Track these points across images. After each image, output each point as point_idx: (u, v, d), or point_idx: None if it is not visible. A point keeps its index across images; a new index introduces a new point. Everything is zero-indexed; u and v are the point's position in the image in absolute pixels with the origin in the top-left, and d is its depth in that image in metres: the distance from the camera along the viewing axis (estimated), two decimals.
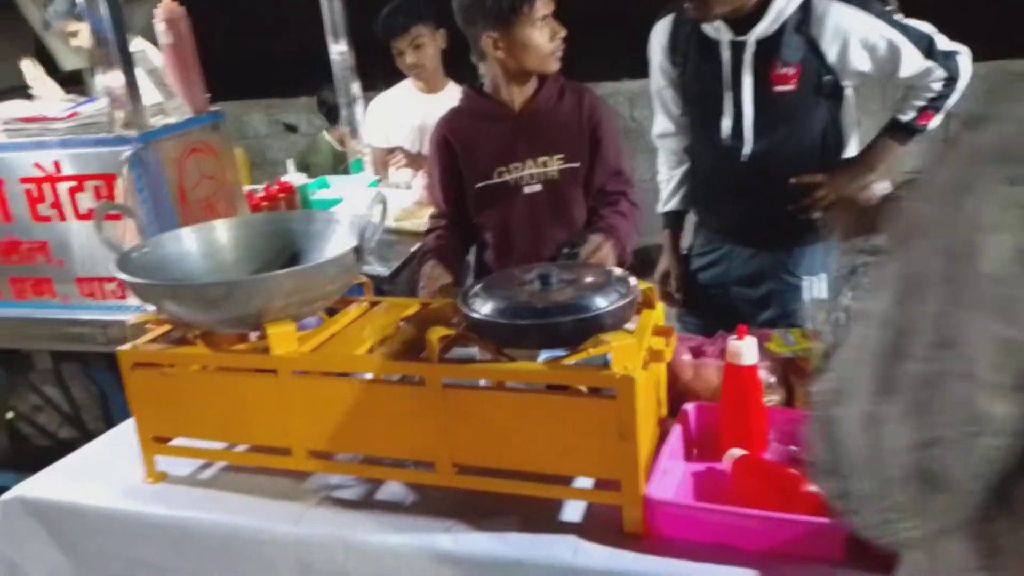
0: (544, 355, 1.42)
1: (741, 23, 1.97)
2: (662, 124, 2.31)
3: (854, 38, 1.94)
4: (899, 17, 1.98)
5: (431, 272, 1.89)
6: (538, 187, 1.93)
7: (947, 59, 2.00)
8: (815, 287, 2.27)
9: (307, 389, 1.35)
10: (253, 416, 1.40)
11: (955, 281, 0.59)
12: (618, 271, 1.37)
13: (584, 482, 1.33)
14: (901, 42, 1.95)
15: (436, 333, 1.27)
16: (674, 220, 2.37)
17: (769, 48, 1.97)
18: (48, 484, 1.53)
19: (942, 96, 2.03)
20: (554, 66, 1.92)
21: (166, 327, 1.50)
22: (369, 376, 1.35)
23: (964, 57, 2.02)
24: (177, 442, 1.51)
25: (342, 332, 1.47)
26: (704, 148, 2.17)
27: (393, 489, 1.41)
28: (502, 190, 1.94)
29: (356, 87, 3.13)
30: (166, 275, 1.47)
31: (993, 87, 0.61)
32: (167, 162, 1.94)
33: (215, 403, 1.42)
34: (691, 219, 2.44)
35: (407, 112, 2.99)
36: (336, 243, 1.55)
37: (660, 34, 2.17)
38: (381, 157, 3.09)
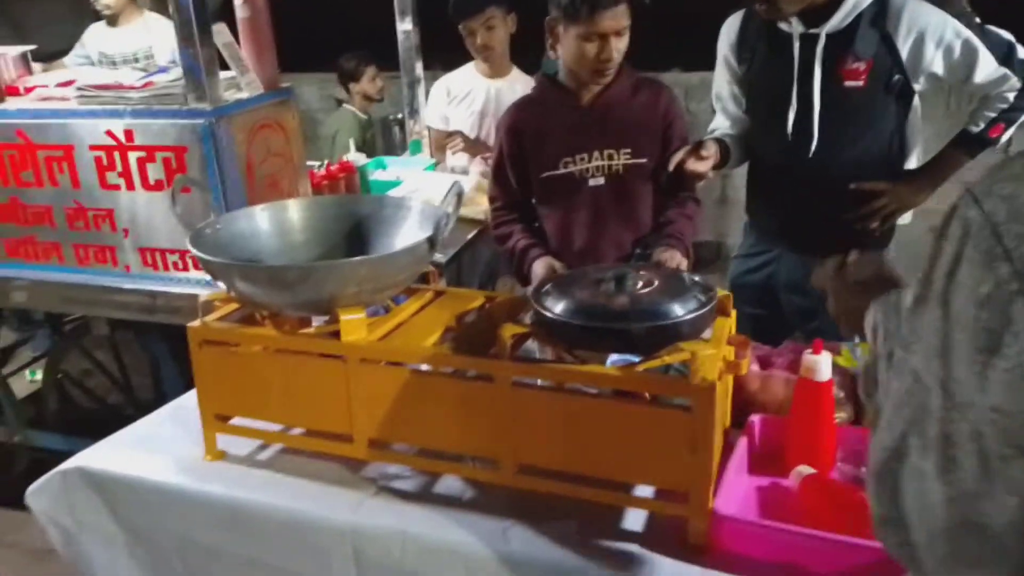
0: (613, 359, 1.40)
1: (814, 16, 1.93)
2: (719, 122, 2.25)
3: (930, 36, 1.89)
4: (978, 20, 1.92)
5: (552, 266, 1.88)
6: (601, 180, 1.90)
7: None
8: None
9: (373, 377, 1.34)
10: (317, 400, 1.40)
11: (957, 347, 0.62)
12: (696, 277, 1.34)
13: (644, 490, 1.31)
14: (977, 45, 1.89)
15: (509, 330, 1.25)
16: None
17: (841, 42, 1.93)
18: (108, 455, 1.54)
19: (1016, 108, 1.96)
20: (592, 79, 1.87)
21: (233, 305, 1.50)
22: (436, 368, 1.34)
23: None
24: (238, 421, 1.52)
25: (409, 321, 1.46)
26: (767, 145, 2.12)
27: (450, 484, 1.40)
28: (567, 181, 1.92)
29: (419, 67, 3.10)
30: (237, 253, 1.47)
31: (997, 165, 0.63)
32: (238, 137, 1.94)
33: (279, 385, 1.42)
34: (740, 220, 2.38)
35: (470, 96, 2.97)
36: (407, 231, 1.54)
37: (729, 30, 2.13)
38: (439, 140, 3.08)
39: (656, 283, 1.30)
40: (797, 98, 1.99)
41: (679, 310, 1.22)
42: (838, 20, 1.91)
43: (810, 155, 2.01)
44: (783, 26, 1.99)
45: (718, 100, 2.23)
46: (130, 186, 2.01)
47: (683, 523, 1.22)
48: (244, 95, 2.01)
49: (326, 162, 2.59)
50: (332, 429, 1.41)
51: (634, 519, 1.29)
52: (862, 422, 1.47)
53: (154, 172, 1.98)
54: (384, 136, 3.72)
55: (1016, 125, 1.98)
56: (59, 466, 1.53)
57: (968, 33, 1.89)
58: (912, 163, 2.11)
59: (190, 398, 1.75)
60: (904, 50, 1.91)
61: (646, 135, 1.91)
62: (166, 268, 2.08)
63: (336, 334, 1.35)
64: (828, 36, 1.92)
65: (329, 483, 1.41)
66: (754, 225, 2.29)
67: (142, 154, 1.97)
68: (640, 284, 1.29)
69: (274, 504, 1.37)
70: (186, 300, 2.05)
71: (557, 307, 1.27)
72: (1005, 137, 1.99)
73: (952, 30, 1.89)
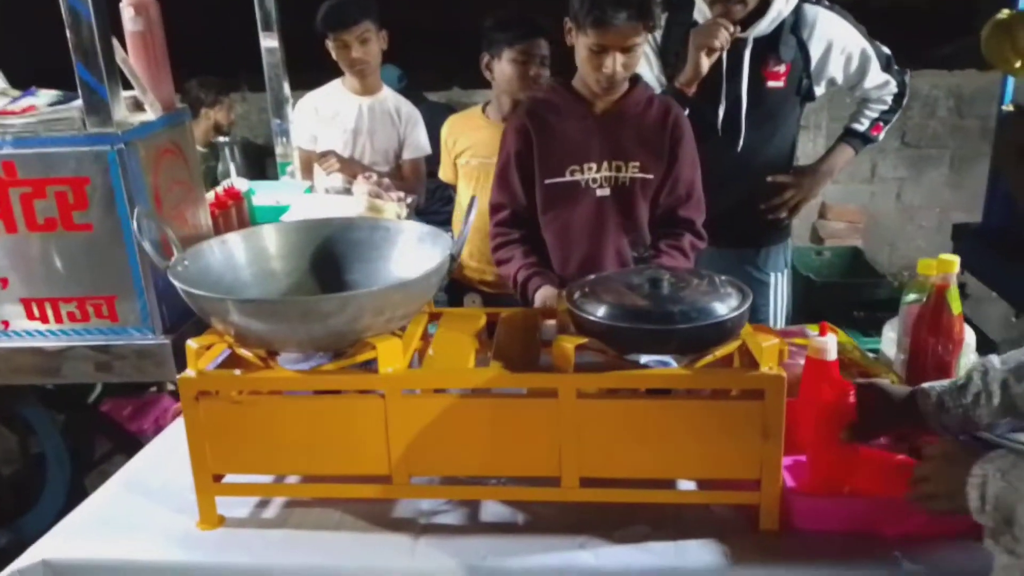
0: (645, 359, 1.41)
1: (740, 22, 2.06)
2: None
3: (836, 45, 2.13)
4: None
5: (549, 299, 1.76)
6: (607, 191, 1.85)
7: (900, 75, 2.23)
8: (780, 284, 2.43)
9: (416, 409, 1.24)
10: (345, 442, 1.27)
11: None
12: (721, 277, 1.36)
13: (687, 484, 1.33)
14: (871, 54, 2.17)
15: (569, 342, 1.22)
16: None
17: (766, 46, 2.10)
18: (74, 543, 1.30)
19: (892, 111, 2.27)
20: (599, 90, 1.79)
21: (218, 350, 1.32)
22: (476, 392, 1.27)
23: (908, 77, 2.25)
24: (230, 479, 1.34)
25: (426, 346, 1.37)
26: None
27: (493, 510, 1.34)
28: (572, 188, 1.85)
29: (286, 87, 2.90)
30: (212, 288, 1.30)
31: None
32: (145, 165, 1.70)
33: (296, 432, 1.27)
34: None
35: (340, 114, 2.83)
36: (400, 251, 1.45)
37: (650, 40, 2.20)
38: (308, 160, 2.90)
39: (686, 284, 1.32)
40: (726, 96, 2.12)
41: (728, 307, 1.25)
42: (765, 26, 2.08)
43: (738, 150, 2.16)
44: None
45: None
46: (10, 228, 1.70)
47: (746, 510, 1.26)
48: (149, 117, 1.77)
49: (213, 191, 2.35)
50: (366, 471, 1.28)
51: (695, 513, 1.30)
52: None
53: (43, 210, 1.68)
54: (232, 161, 3.42)
55: (890, 125, 2.27)
56: (12, 564, 1.26)
57: (866, 43, 2.15)
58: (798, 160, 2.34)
59: (139, 464, 1.54)
60: (814, 57, 2.12)
61: (654, 152, 1.86)
62: (59, 320, 1.78)
63: (365, 365, 1.25)
64: (755, 40, 2.08)
65: (366, 531, 1.29)
66: None
67: (27, 190, 1.67)
68: (672, 285, 1.31)
69: (322, 566, 1.22)
70: (90, 355, 1.78)
71: (599, 311, 1.24)
72: (882, 135, 2.28)
73: (854, 41, 2.14)
